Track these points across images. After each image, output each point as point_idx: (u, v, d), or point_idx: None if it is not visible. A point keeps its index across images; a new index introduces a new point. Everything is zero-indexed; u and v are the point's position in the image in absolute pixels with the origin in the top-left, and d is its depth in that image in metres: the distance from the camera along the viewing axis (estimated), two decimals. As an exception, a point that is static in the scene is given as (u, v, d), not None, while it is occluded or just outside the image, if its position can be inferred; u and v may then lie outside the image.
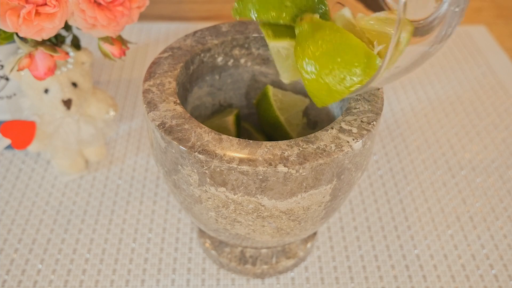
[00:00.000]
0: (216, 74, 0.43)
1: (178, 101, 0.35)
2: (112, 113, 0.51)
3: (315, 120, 0.43)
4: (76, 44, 0.49)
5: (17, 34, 0.43)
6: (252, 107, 0.46)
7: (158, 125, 0.33)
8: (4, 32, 0.43)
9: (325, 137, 0.33)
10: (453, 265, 0.47)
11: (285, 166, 0.31)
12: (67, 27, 0.47)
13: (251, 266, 0.45)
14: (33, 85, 0.47)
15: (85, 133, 0.50)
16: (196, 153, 0.32)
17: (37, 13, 0.39)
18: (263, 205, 0.33)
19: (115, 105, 0.51)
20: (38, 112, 0.49)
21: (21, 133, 0.47)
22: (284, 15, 0.35)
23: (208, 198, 0.34)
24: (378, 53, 0.32)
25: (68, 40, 0.49)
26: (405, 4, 0.26)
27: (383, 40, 0.32)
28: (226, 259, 0.45)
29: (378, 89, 0.37)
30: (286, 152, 0.32)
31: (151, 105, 0.35)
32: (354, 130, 0.34)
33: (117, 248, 0.47)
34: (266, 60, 0.44)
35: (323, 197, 0.34)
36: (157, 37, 0.72)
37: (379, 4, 0.36)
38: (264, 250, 0.45)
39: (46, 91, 0.47)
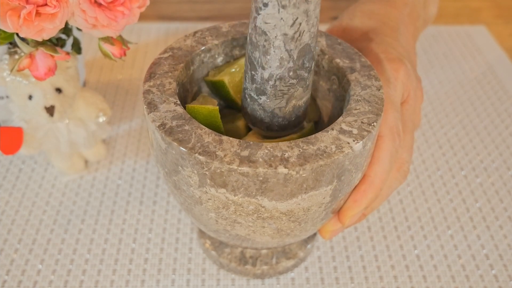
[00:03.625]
0: (217, 75, 0.43)
1: (179, 102, 0.35)
2: (101, 118, 0.50)
3: (315, 121, 0.43)
4: (77, 48, 0.49)
5: (17, 34, 0.43)
6: None
7: (159, 126, 0.33)
8: (4, 32, 0.43)
9: (325, 138, 0.33)
10: (453, 265, 0.47)
11: (285, 168, 0.31)
12: (67, 31, 0.47)
13: (251, 266, 0.45)
14: (17, 91, 0.46)
15: (76, 136, 0.50)
16: (197, 154, 0.32)
17: (38, 13, 0.39)
18: (263, 206, 0.33)
19: (105, 109, 0.51)
20: (26, 117, 0.48)
21: (9, 139, 0.47)
22: None
23: (208, 199, 0.34)
24: None
25: (69, 43, 0.49)
26: None
27: None
28: (226, 259, 0.45)
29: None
30: (287, 153, 0.32)
31: (151, 106, 0.35)
32: (355, 131, 0.34)
33: (117, 248, 0.47)
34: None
35: (323, 198, 0.34)
36: (157, 37, 0.72)
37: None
38: (264, 251, 0.45)
39: (30, 97, 0.46)
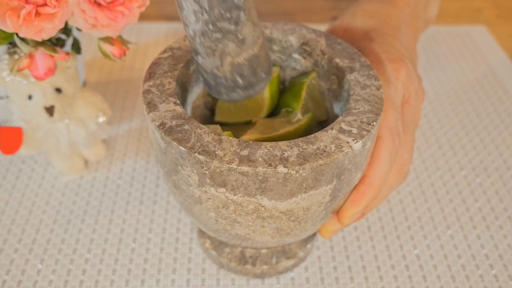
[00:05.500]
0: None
1: (178, 102, 0.35)
2: (101, 118, 0.50)
3: (321, 121, 0.43)
4: (76, 48, 0.49)
5: (17, 34, 0.43)
6: None
7: (158, 126, 0.33)
8: (4, 32, 0.43)
9: (325, 137, 0.33)
10: (453, 265, 0.47)
11: (285, 167, 0.31)
12: (67, 31, 0.47)
13: (251, 266, 0.45)
14: (17, 91, 0.46)
15: (76, 136, 0.50)
16: (196, 153, 0.32)
17: (37, 13, 0.39)
18: (263, 206, 0.33)
19: (105, 109, 0.51)
20: (25, 117, 0.48)
21: (8, 139, 0.47)
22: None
23: (208, 198, 0.34)
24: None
25: (69, 43, 0.49)
26: None
27: None
28: (226, 259, 0.45)
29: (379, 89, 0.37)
30: (286, 153, 0.32)
31: (151, 105, 0.35)
32: (354, 130, 0.34)
33: (117, 248, 0.47)
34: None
35: (323, 197, 0.34)
36: (157, 37, 0.72)
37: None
38: (264, 250, 0.45)
39: (30, 97, 0.46)
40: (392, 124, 0.39)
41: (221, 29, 0.35)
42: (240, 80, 0.38)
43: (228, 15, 0.34)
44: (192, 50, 0.38)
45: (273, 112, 0.43)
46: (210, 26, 0.35)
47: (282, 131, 0.39)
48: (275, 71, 0.43)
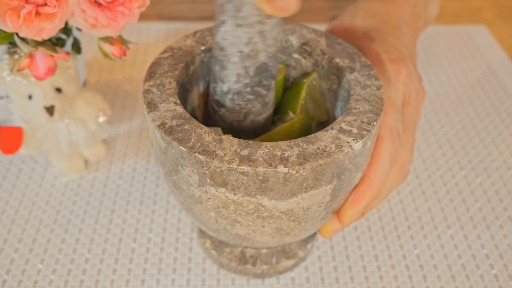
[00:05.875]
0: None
1: (179, 102, 0.35)
2: (101, 118, 0.50)
3: (322, 122, 0.43)
4: (76, 47, 0.49)
5: (17, 34, 0.43)
6: None
7: (158, 126, 0.33)
8: (4, 32, 0.43)
9: (325, 137, 0.33)
10: (453, 265, 0.47)
11: (285, 167, 0.31)
12: (67, 31, 0.47)
13: (251, 266, 0.45)
14: (17, 91, 0.46)
15: (76, 136, 0.50)
16: (196, 153, 0.32)
17: (37, 13, 0.39)
18: (263, 206, 0.33)
19: (105, 109, 0.51)
20: (26, 117, 0.48)
21: (9, 138, 0.47)
22: None
23: (208, 198, 0.34)
24: None
25: (69, 43, 0.49)
26: None
27: None
28: (226, 259, 0.45)
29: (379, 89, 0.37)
30: (286, 153, 0.32)
31: (151, 105, 0.35)
32: (354, 130, 0.34)
33: (117, 248, 0.47)
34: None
35: (323, 197, 0.34)
36: (157, 37, 0.72)
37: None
38: (264, 250, 0.45)
39: (30, 97, 0.46)
40: (393, 124, 0.39)
41: (256, 92, 0.38)
42: (251, 132, 0.40)
43: (265, 82, 0.37)
44: (215, 101, 0.39)
45: (274, 112, 0.43)
46: (248, 89, 0.37)
47: (277, 129, 0.40)
48: (282, 71, 0.43)
